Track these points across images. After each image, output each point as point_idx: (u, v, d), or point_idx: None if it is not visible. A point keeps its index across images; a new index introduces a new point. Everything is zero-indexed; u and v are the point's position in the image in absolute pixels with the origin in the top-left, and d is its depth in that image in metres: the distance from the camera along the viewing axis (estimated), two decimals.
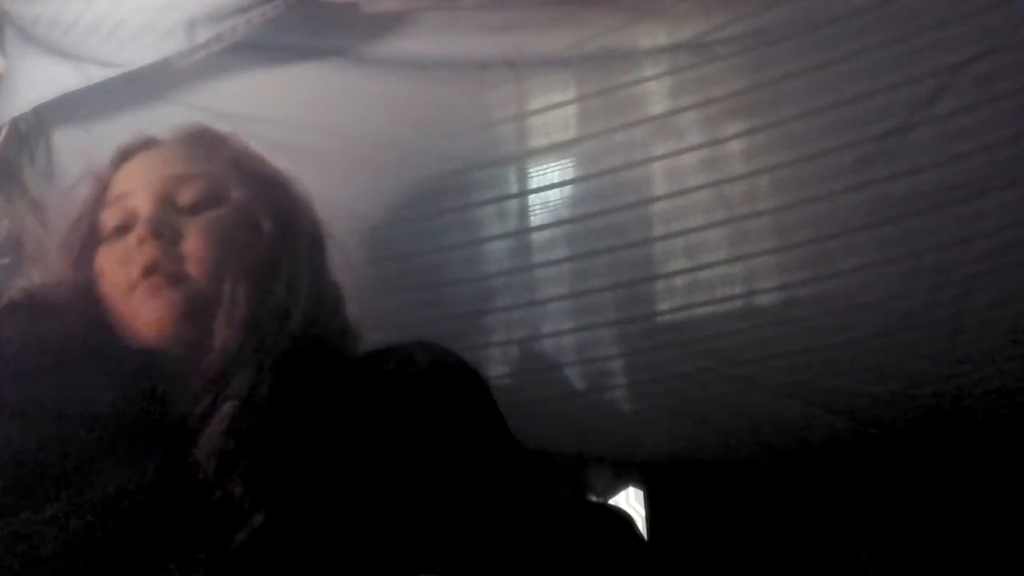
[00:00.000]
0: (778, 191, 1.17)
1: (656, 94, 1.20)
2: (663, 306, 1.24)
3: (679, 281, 1.23)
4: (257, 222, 0.95)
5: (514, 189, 1.28)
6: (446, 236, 1.26)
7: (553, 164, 1.26)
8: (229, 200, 0.95)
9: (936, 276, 1.13)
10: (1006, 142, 1.08)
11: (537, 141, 1.26)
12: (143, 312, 0.89)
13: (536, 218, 1.27)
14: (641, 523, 1.22)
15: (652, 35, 1.18)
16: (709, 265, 1.21)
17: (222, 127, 1.31)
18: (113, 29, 1.20)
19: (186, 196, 0.94)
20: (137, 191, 0.95)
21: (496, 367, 1.27)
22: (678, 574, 1.01)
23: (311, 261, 0.97)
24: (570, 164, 1.26)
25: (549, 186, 1.26)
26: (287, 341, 0.88)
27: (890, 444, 1.19)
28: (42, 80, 1.28)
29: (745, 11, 1.13)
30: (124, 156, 1.01)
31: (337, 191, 1.30)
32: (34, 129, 1.41)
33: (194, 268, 0.90)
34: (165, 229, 0.91)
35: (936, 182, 1.11)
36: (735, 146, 1.18)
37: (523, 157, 1.27)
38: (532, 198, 1.27)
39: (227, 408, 0.82)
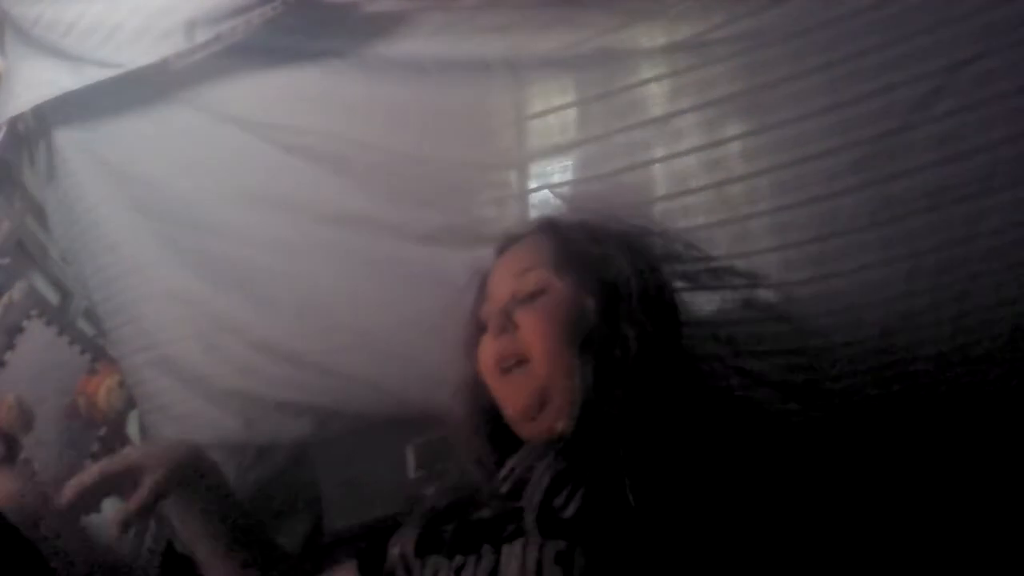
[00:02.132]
0: (778, 192, 1.17)
1: (656, 95, 1.20)
2: None
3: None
4: (581, 302, 1.02)
5: (515, 190, 1.27)
6: None
7: (553, 165, 1.26)
8: (554, 287, 1.03)
9: (936, 276, 1.13)
10: (1005, 142, 1.08)
11: (537, 143, 1.26)
12: (505, 398, 1.03)
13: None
14: None
15: (651, 36, 1.19)
16: None
17: (223, 127, 1.32)
18: (112, 30, 1.20)
19: (522, 289, 1.04)
20: (496, 288, 1.07)
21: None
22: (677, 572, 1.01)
23: (653, 317, 1.03)
24: (570, 165, 1.26)
25: (550, 187, 1.26)
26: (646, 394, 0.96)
27: (890, 444, 1.19)
28: (41, 81, 1.28)
29: (744, 12, 1.13)
30: (499, 253, 1.13)
31: (336, 191, 1.30)
32: (33, 130, 1.41)
33: (534, 355, 1.00)
34: (507, 322, 1.02)
35: (936, 182, 1.11)
36: (735, 147, 1.18)
37: (523, 159, 1.27)
38: (532, 199, 1.27)
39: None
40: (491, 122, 1.26)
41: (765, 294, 1.20)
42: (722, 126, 1.18)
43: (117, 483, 1.04)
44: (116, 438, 1.44)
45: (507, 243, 1.13)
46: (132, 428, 1.46)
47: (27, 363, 1.35)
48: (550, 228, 1.11)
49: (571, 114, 1.24)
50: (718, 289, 1.20)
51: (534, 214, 1.25)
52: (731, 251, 1.19)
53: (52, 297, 1.43)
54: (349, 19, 1.22)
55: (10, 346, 1.33)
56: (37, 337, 1.38)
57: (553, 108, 1.24)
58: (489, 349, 1.04)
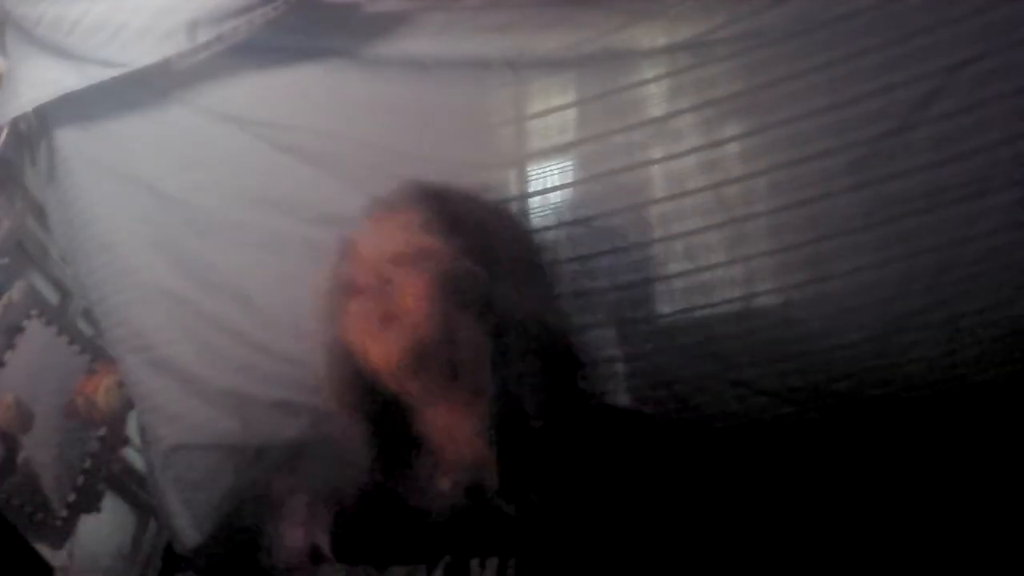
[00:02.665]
0: (777, 192, 1.17)
1: (655, 96, 1.20)
2: (663, 308, 1.24)
3: (678, 283, 1.23)
4: (466, 266, 1.03)
5: (514, 191, 1.28)
6: None
7: (553, 166, 1.26)
8: (438, 252, 1.03)
9: (934, 277, 1.14)
10: (1003, 143, 1.08)
11: (537, 143, 1.26)
12: (375, 355, 1.01)
13: (536, 220, 1.27)
14: None
15: (651, 36, 1.19)
16: (708, 267, 1.21)
17: (224, 128, 1.32)
18: (115, 30, 1.20)
19: (403, 250, 1.04)
20: (368, 249, 1.06)
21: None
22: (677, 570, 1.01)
23: (535, 285, 1.08)
24: (570, 166, 1.26)
25: (549, 188, 1.26)
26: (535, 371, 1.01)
27: (890, 444, 1.19)
28: (43, 80, 1.27)
29: (744, 12, 1.14)
30: (363, 217, 1.12)
31: (335, 191, 1.30)
32: (35, 130, 1.41)
33: (412, 316, 1.00)
34: (382, 282, 1.03)
35: (934, 183, 1.11)
36: (734, 148, 1.19)
37: (523, 159, 1.27)
38: (532, 200, 1.27)
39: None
40: (491, 122, 1.27)
41: (762, 299, 1.21)
42: (721, 126, 1.18)
43: None
44: (116, 438, 1.44)
45: (377, 207, 1.12)
46: (132, 428, 1.45)
47: (27, 363, 1.35)
48: (429, 194, 1.11)
49: (571, 114, 1.24)
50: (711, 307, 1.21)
51: (534, 213, 1.26)
52: (729, 254, 1.20)
53: (52, 297, 1.43)
54: (351, 19, 1.22)
55: (10, 346, 1.33)
56: (37, 337, 1.37)
57: (553, 108, 1.24)
58: (364, 307, 1.03)
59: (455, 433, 1.02)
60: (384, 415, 1.05)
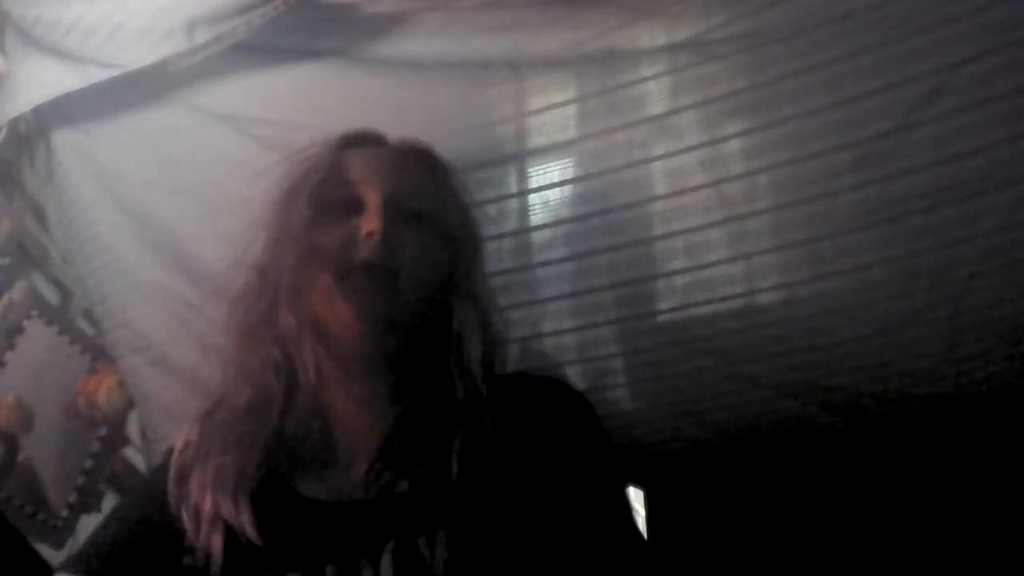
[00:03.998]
0: (777, 190, 1.17)
1: (655, 94, 1.20)
2: (663, 305, 1.24)
3: (679, 280, 1.23)
4: (456, 245, 1.03)
5: (514, 189, 1.28)
6: None
7: (553, 164, 1.26)
8: (443, 223, 1.03)
9: (935, 276, 1.14)
10: (1004, 142, 1.08)
11: (537, 141, 1.26)
12: (353, 301, 0.95)
13: (536, 218, 1.27)
14: (641, 521, 1.22)
15: (651, 35, 1.19)
16: (709, 264, 1.21)
17: (222, 128, 1.32)
18: (113, 30, 1.20)
19: (415, 205, 1.00)
20: (373, 181, 0.99)
21: (496, 366, 1.27)
22: (676, 569, 1.01)
23: (478, 289, 1.06)
24: (570, 164, 1.26)
25: (549, 186, 1.26)
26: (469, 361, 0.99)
27: (890, 444, 1.19)
28: (42, 81, 1.28)
29: (744, 11, 1.13)
30: (353, 141, 1.08)
31: None
32: (34, 130, 1.41)
33: (407, 276, 0.96)
34: (393, 228, 0.96)
35: (935, 182, 1.11)
36: (734, 145, 1.19)
37: (523, 157, 1.27)
38: (532, 198, 1.27)
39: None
40: (491, 120, 1.26)
41: (762, 297, 1.21)
42: (721, 124, 1.18)
43: None
44: (116, 438, 1.44)
45: (368, 138, 1.10)
46: (132, 428, 1.46)
47: (27, 363, 1.35)
48: (435, 161, 1.09)
49: (571, 111, 1.24)
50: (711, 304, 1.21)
51: (534, 213, 1.26)
52: (730, 252, 1.20)
53: (52, 297, 1.43)
54: (350, 19, 1.22)
55: (10, 346, 1.33)
56: (37, 337, 1.38)
57: (552, 105, 1.24)
58: (360, 244, 0.96)
59: (375, 407, 0.99)
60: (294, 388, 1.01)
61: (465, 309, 1.02)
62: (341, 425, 1.00)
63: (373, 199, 0.98)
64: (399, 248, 0.97)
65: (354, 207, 0.99)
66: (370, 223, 0.96)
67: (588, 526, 0.93)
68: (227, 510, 0.93)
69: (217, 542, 0.93)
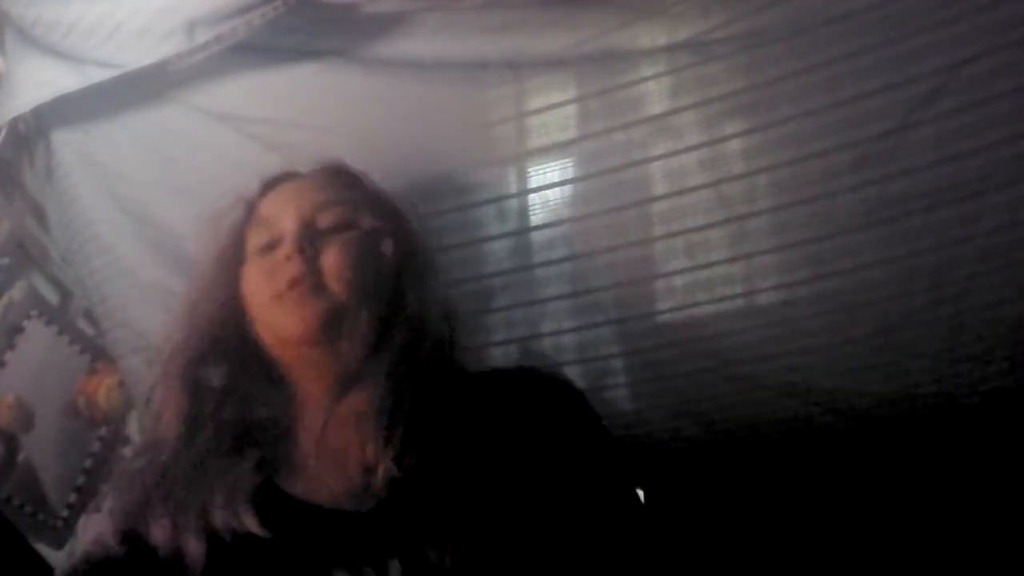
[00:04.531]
0: (777, 191, 1.17)
1: (655, 94, 1.20)
2: (663, 305, 1.24)
3: (679, 280, 1.23)
4: (381, 247, 1.06)
5: (514, 189, 1.28)
6: (446, 236, 1.26)
7: (553, 164, 1.26)
8: (359, 226, 1.06)
9: (935, 276, 1.14)
10: (1004, 142, 1.08)
11: (536, 141, 1.26)
12: (288, 319, 1.01)
13: (536, 218, 1.27)
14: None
15: (651, 35, 1.19)
16: (709, 265, 1.21)
17: (222, 128, 1.32)
18: (113, 30, 1.20)
19: (326, 219, 1.05)
20: (283, 215, 1.06)
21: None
22: (676, 570, 1.01)
23: (429, 283, 1.09)
24: (570, 164, 1.26)
25: (549, 186, 1.26)
26: (419, 357, 1.02)
27: (890, 444, 1.19)
28: (42, 81, 1.28)
29: (743, 11, 1.13)
30: (269, 186, 1.12)
31: None
32: (33, 130, 1.41)
33: (333, 282, 1.01)
34: (307, 247, 1.02)
35: (935, 182, 1.11)
36: (734, 146, 1.19)
37: (523, 157, 1.27)
38: (532, 198, 1.27)
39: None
40: (490, 119, 1.26)
41: (762, 297, 1.21)
42: (721, 124, 1.18)
43: None
44: (116, 438, 1.44)
45: (283, 177, 1.13)
46: (132, 428, 1.46)
47: (27, 363, 1.35)
48: (347, 173, 1.12)
49: (571, 111, 1.24)
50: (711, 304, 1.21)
51: (534, 213, 1.26)
52: (729, 252, 1.20)
53: (52, 297, 1.43)
54: (349, 19, 1.22)
55: (10, 346, 1.33)
56: (37, 337, 1.38)
57: (552, 105, 1.24)
58: (281, 269, 1.01)
59: (324, 407, 1.01)
60: (259, 385, 1.06)
61: (413, 294, 1.06)
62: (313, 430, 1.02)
63: (287, 229, 1.04)
64: (319, 260, 1.02)
65: (277, 242, 1.05)
66: (286, 249, 1.02)
67: (595, 526, 0.95)
68: (222, 518, 0.96)
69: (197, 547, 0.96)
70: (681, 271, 1.22)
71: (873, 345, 1.17)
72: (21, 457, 1.31)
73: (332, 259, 1.02)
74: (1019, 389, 1.14)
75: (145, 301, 1.38)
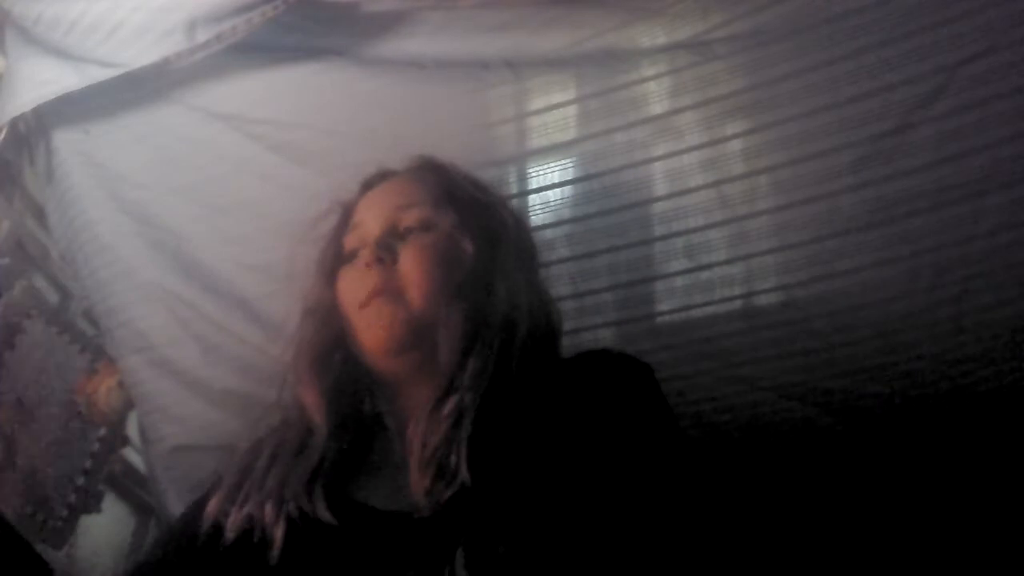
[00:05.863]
0: (777, 191, 1.17)
1: (655, 94, 1.21)
2: (663, 306, 1.24)
3: (679, 282, 1.23)
4: (462, 245, 1.04)
5: (514, 189, 1.28)
6: None
7: (553, 164, 1.26)
8: (439, 226, 1.05)
9: (936, 276, 1.14)
10: (1005, 141, 1.08)
11: (537, 141, 1.26)
12: (369, 331, 1.01)
13: (536, 218, 1.27)
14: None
15: (651, 35, 1.19)
16: (709, 265, 1.21)
17: (222, 128, 1.32)
18: (113, 29, 1.20)
19: (407, 220, 1.05)
20: (371, 219, 1.06)
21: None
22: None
23: (524, 273, 1.07)
24: (570, 164, 1.26)
25: (549, 186, 1.26)
26: (516, 351, 0.99)
27: (890, 446, 1.19)
28: (42, 80, 1.28)
29: (743, 10, 1.14)
30: (367, 186, 1.12)
31: (336, 191, 1.30)
32: (33, 130, 1.41)
33: (411, 290, 1.00)
34: (386, 254, 1.02)
35: (935, 182, 1.11)
36: (734, 146, 1.19)
37: (523, 157, 1.27)
38: (532, 198, 1.27)
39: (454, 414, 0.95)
40: (491, 119, 1.27)
41: (762, 298, 1.21)
42: (722, 124, 1.18)
43: None
44: (116, 438, 1.44)
45: (379, 177, 1.13)
46: (132, 428, 1.46)
47: (27, 363, 1.35)
48: (434, 167, 1.12)
49: (571, 112, 1.24)
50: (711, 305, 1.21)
51: (534, 213, 1.26)
52: (730, 253, 1.20)
53: (52, 297, 1.43)
54: (349, 18, 1.23)
55: (10, 346, 1.33)
56: (37, 337, 1.37)
57: (553, 106, 1.24)
58: (363, 279, 1.02)
59: (423, 413, 0.98)
60: (351, 392, 1.06)
61: (503, 284, 1.04)
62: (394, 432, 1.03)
63: (371, 233, 1.05)
64: (398, 266, 1.01)
65: (364, 247, 1.05)
66: (365, 257, 1.02)
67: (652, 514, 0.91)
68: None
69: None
70: (681, 272, 1.22)
71: (873, 346, 1.17)
72: (21, 457, 1.31)
73: (410, 265, 1.01)
74: (1019, 389, 1.14)
75: (145, 301, 1.38)
